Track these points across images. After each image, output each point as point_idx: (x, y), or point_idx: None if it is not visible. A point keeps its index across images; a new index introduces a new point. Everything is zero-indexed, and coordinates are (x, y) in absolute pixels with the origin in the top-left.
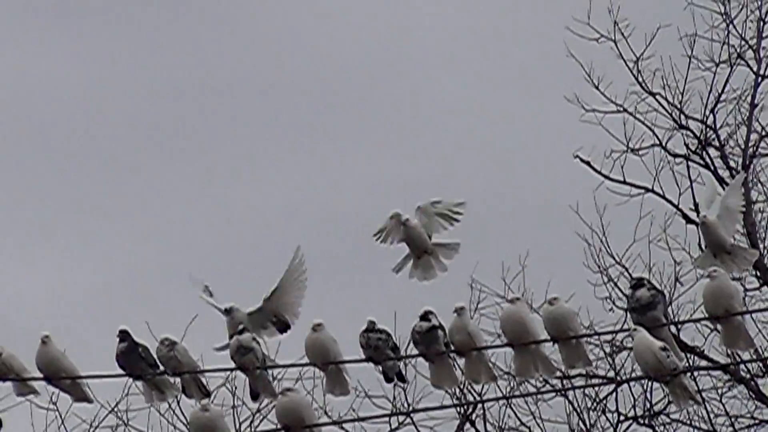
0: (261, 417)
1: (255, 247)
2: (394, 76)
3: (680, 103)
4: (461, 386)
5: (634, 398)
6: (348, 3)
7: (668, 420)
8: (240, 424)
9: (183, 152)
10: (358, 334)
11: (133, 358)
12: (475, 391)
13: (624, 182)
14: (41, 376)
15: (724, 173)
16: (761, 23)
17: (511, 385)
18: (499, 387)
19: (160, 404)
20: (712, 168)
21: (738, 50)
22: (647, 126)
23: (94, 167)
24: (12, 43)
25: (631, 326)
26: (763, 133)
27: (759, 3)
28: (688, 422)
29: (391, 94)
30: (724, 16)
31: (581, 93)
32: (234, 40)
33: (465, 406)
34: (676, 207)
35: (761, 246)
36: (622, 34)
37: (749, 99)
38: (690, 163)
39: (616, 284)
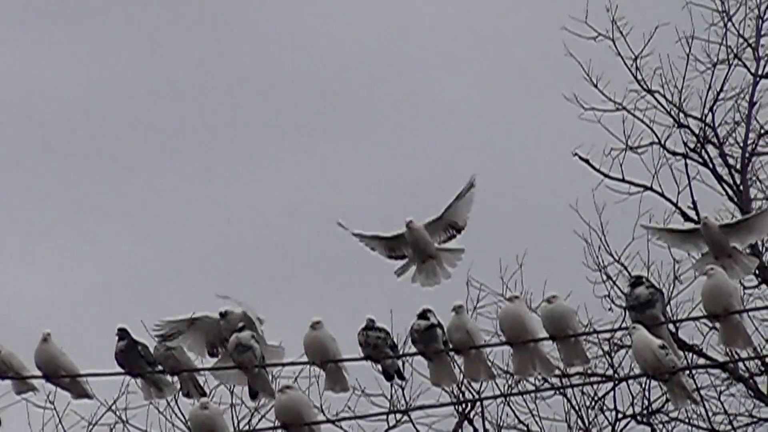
0: (259, 416)
1: (255, 247)
2: (394, 76)
3: (679, 101)
4: (460, 384)
5: (632, 396)
6: (348, 3)
7: (667, 418)
8: (238, 422)
9: (183, 152)
10: (357, 332)
11: (132, 356)
12: (473, 389)
13: (623, 180)
14: (40, 374)
15: (723, 171)
16: (760, 21)
17: (509, 383)
18: (497, 385)
19: (159, 401)
20: (710, 166)
21: (735, 50)
22: (646, 124)
23: (94, 167)
24: (12, 43)
25: (629, 324)
26: (762, 131)
27: (758, 1)
28: (687, 421)
29: (391, 94)
30: (723, 15)
31: (580, 92)
32: (234, 40)
33: (463, 404)
34: (675, 205)
35: (759, 244)
36: (621, 32)
37: (748, 97)
38: (689, 161)
39: (614, 282)
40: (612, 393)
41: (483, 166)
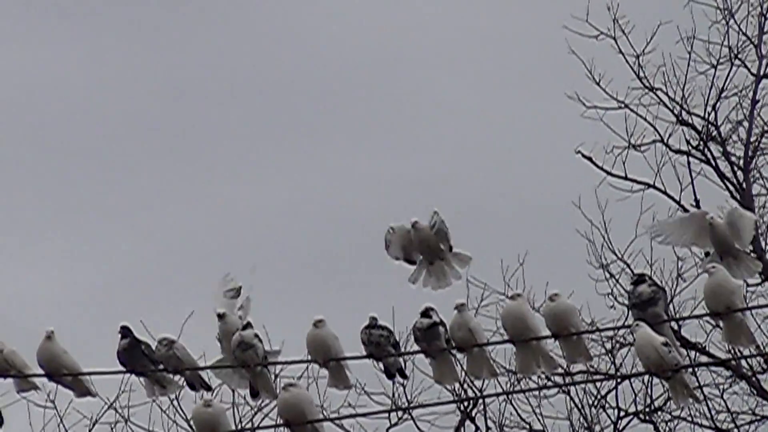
0: (262, 416)
1: (255, 247)
2: (394, 75)
3: (681, 99)
4: (461, 382)
5: (635, 394)
6: (348, 3)
7: (669, 417)
8: (241, 420)
9: (183, 152)
10: (360, 330)
11: (135, 355)
12: (475, 386)
13: (625, 178)
14: (42, 372)
15: (726, 169)
16: (762, 19)
17: (511, 381)
18: (499, 383)
19: (162, 398)
20: (713, 164)
21: (737, 49)
22: (648, 122)
23: (94, 167)
24: (12, 43)
25: (632, 322)
26: (765, 128)
27: None
28: (690, 419)
29: (391, 94)
30: (725, 12)
31: (582, 90)
32: (234, 40)
33: (465, 402)
34: (678, 203)
35: (762, 242)
36: (623, 30)
37: (751, 94)
38: (691, 158)
39: (617, 280)
40: (614, 391)
41: (484, 164)
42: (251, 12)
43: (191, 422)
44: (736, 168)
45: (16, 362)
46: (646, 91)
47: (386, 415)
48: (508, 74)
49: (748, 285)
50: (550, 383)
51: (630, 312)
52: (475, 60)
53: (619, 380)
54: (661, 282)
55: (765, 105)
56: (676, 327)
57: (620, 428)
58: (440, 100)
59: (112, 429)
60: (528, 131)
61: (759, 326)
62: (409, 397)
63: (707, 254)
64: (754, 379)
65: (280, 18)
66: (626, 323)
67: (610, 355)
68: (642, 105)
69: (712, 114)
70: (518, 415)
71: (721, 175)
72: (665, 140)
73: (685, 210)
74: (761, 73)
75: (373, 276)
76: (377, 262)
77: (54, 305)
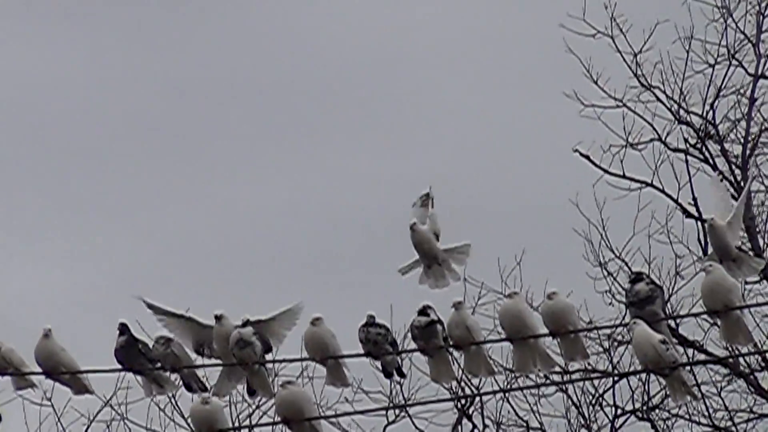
0: (261, 413)
1: (255, 247)
2: (394, 76)
3: (680, 97)
4: (459, 380)
5: (632, 391)
6: (348, 3)
7: (667, 415)
8: (238, 416)
9: (183, 152)
10: (357, 328)
11: (132, 353)
12: (472, 384)
13: (623, 176)
14: (40, 370)
15: (724, 167)
16: (760, 17)
17: (508, 379)
18: (496, 381)
19: (159, 397)
20: (711, 162)
21: (734, 49)
22: (646, 121)
23: (94, 167)
24: (12, 43)
25: (630, 320)
26: (763, 126)
27: None
28: (687, 417)
29: (391, 94)
30: (723, 11)
31: (580, 89)
32: (234, 40)
33: (462, 400)
34: (676, 201)
35: (761, 241)
36: (620, 29)
37: (749, 93)
38: (689, 157)
39: (615, 278)
40: (612, 389)
41: (483, 162)
42: (251, 12)
43: (189, 420)
44: (734, 166)
45: (13, 360)
46: (644, 89)
47: (383, 412)
48: (506, 73)
49: (746, 283)
50: (547, 381)
51: (627, 310)
52: (474, 59)
53: (616, 378)
54: (659, 280)
55: (763, 103)
56: (673, 325)
57: (617, 426)
58: (439, 99)
59: (108, 427)
60: (526, 130)
61: (758, 324)
62: (406, 395)
63: (705, 253)
64: (751, 377)
65: (280, 18)
66: (624, 321)
67: (607, 353)
68: (641, 101)
69: (710, 112)
70: (515, 413)
71: (719, 174)
72: (663, 139)
73: (683, 209)
74: (759, 71)
75: (372, 276)
76: (377, 262)
77: (54, 305)
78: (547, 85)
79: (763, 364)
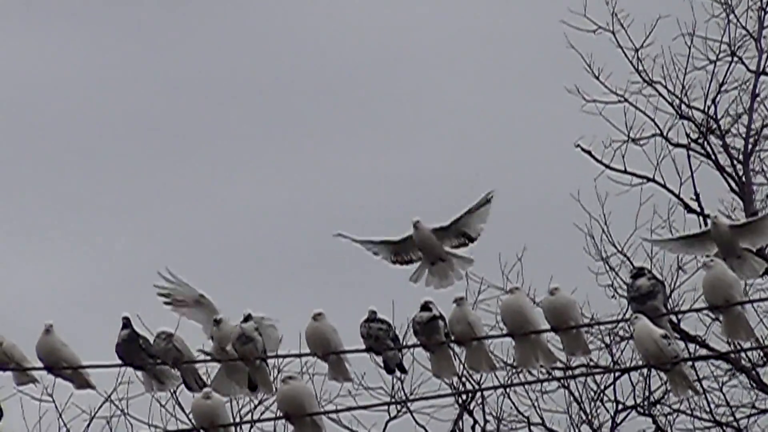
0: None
1: (255, 247)
2: (394, 75)
3: (681, 92)
4: (460, 376)
5: (633, 386)
6: (348, 3)
7: (669, 410)
8: (240, 411)
9: (183, 152)
10: (359, 323)
11: (133, 348)
12: (473, 379)
13: (625, 172)
14: (41, 365)
15: (726, 162)
16: (762, 13)
17: (509, 374)
18: (496, 377)
19: (160, 393)
20: (713, 157)
21: (734, 46)
22: (648, 116)
23: (94, 167)
24: (12, 43)
25: (631, 315)
26: (765, 122)
27: None
28: (689, 412)
29: (391, 93)
30: (725, 6)
31: (581, 84)
32: (234, 40)
33: (463, 396)
34: (677, 196)
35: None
36: (621, 25)
37: (750, 88)
38: (691, 152)
39: (617, 273)
40: (613, 385)
41: (484, 158)
42: (251, 12)
43: (190, 415)
44: (735, 161)
45: (15, 355)
46: (646, 84)
47: (385, 408)
48: (507, 69)
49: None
50: (548, 377)
51: (629, 305)
52: (474, 56)
53: (617, 375)
54: (661, 274)
55: (765, 98)
56: (675, 320)
57: (619, 422)
58: (440, 96)
59: (108, 422)
60: (527, 125)
61: (761, 320)
62: (407, 391)
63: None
64: (753, 372)
65: (280, 18)
66: (625, 317)
67: (608, 348)
68: (643, 95)
69: (712, 107)
70: (516, 408)
71: (721, 169)
72: (665, 134)
73: (685, 204)
74: (761, 67)
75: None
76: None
77: (54, 305)
78: (549, 80)
79: (765, 359)
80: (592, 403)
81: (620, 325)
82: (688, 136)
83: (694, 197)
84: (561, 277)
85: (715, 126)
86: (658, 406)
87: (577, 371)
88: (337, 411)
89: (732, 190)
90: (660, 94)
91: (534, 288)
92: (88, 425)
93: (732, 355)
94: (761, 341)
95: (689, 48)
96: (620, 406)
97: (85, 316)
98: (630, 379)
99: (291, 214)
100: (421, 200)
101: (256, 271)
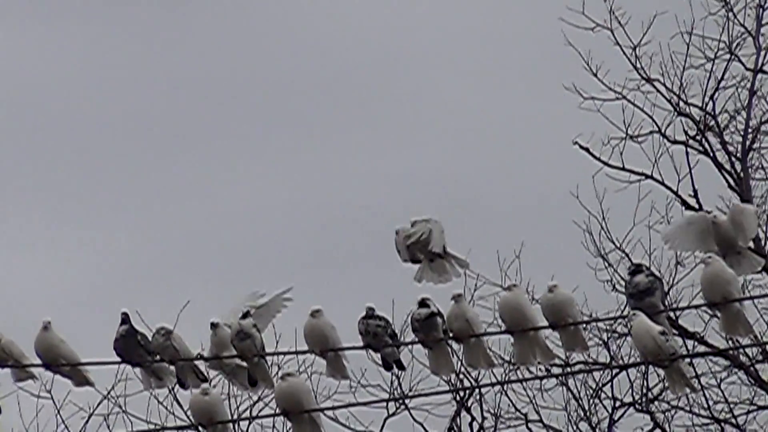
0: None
1: (255, 247)
2: (394, 74)
3: (679, 89)
4: (458, 373)
5: (630, 382)
6: (348, 3)
7: (667, 406)
8: (238, 408)
9: (183, 151)
10: (357, 320)
11: (130, 345)
12: (471, 376)
13: (623, 169)
14: (40, 362)
15: (724, 159)
16: (760, 10)
17: (507, 371)
18: (494, 374)
19: (158, 390)
20: (711, 154)
21: (732, 45)
22: (646, 113)
23: (95, 166)
24: (12, 42)
25: (629, 312)
26: (763, 118)
27: None
28: (687, 408)
29: (391, 92)
30: (723, 4)
31: (579, 82)
32: (234, 40)
33: (461, 393)
34: (675, 193)
35: (761, 234)
36: (619, 22)
37: (749, 85)
38: (689, 149)
39: (615, 269)
40: (611, 381)
41: (483, 155)
42: (251, 12)
43: (188, 411)
44: (733, 158)
45: (13, 352)
46: (644, 82)
47: (383, 405)
48: (506, 67)
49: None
50: (546, 374)
51: (627, 302)
52: (473, 54)
53: (616, 370)
54: (660, 270)
55: (763, 95)
56: (673, 316)
57: (617, 418)
58: (439, 95)
59: (106, 419)
60: (526, 122)
61: (761, 315)
62: (405, 388)
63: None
64: (751, 368)
65: (280, 18)
66: (623, 313)
67: (606, 345)
68: (641, 92)
69: (710, 104)
70: (514, 405)
71: (719, 166)
72: (663, 131)
73: (683, 201)
74: (759, 64)
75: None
76: (376, 260)
77: (54, 304)
78: (547, 78)
79: (763, 356)
80: (590, 400)
81: (618, 321)
82: (686, 133)
83: (692, 194)
84: (560, 273)
85: (713, 123)
86: (656, 403)
87: (575, 368)
88: (335, 408)
89: (730, 186)
90: (658, 92)
91: (533, 285)
92: (87, 422)
93: (730, 352)
94: (759, 338)
95: (687, 45)
96: (618, 403)
97: (85, 313)
98: (628, 376)
99: (291, 213)
100: (421, 198)
101: (256, 271)
